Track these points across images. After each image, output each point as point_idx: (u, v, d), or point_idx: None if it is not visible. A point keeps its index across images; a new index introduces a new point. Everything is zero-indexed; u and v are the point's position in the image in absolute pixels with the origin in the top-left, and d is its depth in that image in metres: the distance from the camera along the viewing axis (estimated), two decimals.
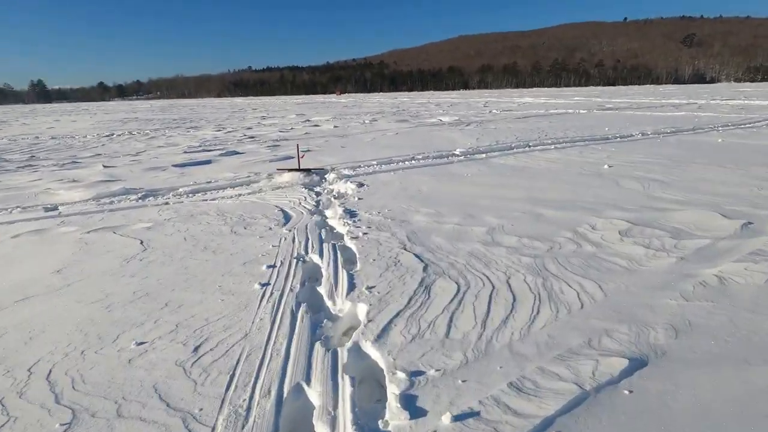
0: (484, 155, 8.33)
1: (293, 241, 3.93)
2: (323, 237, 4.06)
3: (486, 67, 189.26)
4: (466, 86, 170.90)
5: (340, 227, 4.38)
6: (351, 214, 4.80)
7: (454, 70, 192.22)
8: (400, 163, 7.84)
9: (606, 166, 6.80)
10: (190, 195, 6.21)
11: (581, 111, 21.36)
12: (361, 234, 4.04)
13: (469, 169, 7.01)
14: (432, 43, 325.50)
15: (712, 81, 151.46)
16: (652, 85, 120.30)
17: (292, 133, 15.21)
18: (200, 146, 12.10)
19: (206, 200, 5.75)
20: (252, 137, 14.18)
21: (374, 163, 7.90)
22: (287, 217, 4.77)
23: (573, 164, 7.13)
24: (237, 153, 10.21)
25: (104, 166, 8.50)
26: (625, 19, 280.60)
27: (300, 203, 5.38)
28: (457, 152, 8.80)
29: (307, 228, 4.32)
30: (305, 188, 6.22)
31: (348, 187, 6.08)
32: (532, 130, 12.86)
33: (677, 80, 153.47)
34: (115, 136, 16.83)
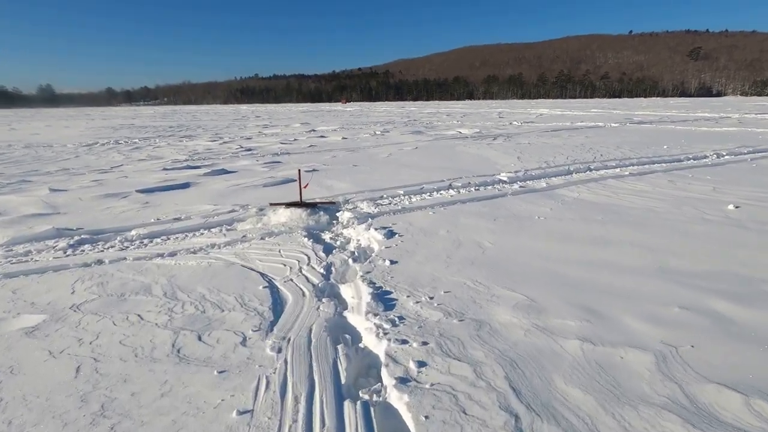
0: (543, 183, 6.38)
1: (282, 391, 1.97)
2: (342, 373, 2.11)
3: (491, 77, 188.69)
4: (471, 96, 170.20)
5: (371, 338, 2.44)
6: (384, 300, 2.86)
7: (460, 80, 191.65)
8: (436, 194, 5.91)
9: (731, 207, 4.84)
10: (143, 243, 4.30)
11: (613, 125, 19.47)
12: (414, 370, 2.09)
13: (536, 207, 5.06)
14: (437, 53, 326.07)
15: (719, 94, 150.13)
16: (659, 98, 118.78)
17: (296, 145, 13.37)
18: (186, 161, 10.25)
19: (161, 256, 3.82)
20: (249, 150, 12.34)
21: (400, 192, 5.97)
22: (277, 306, 2.83)
23: (679, 202, 5.17)
24: (226, 172, 8.32)
25: (50, 190, 6.62)
26: (630, 32, 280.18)
27: (300, 269, 3.43)
28: (503, 177, 6.87)
29: (310, 342, 2.37)
30: (308, 236, 4.28)
31: (372, 237, 4.14)
32: (576, 147, 10.93)
33: (683, 93, 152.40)
34: (98, 145, 15.05)
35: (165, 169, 8.90)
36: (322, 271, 3.39)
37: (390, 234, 4.17)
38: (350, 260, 3.61)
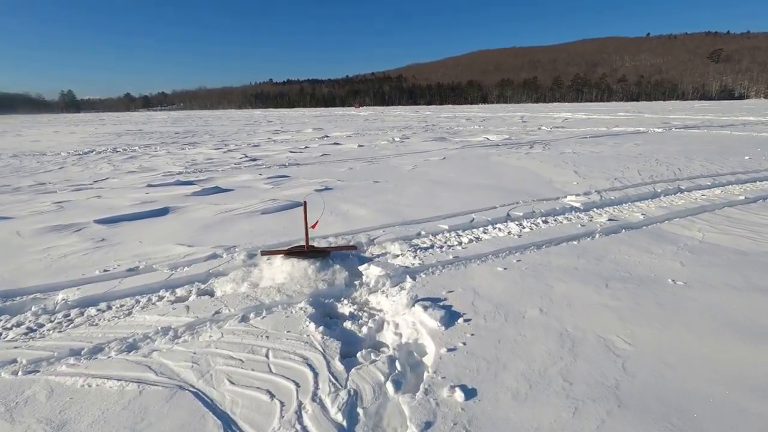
0: (638, 215, 4.68)
1: None
2: None
3: (505, 81, 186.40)
4: (484, 100, 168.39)
5: None
6: None
7: (473, 84, 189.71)
8: (493, 230, 4.29)
9: None
10: (66, 319, 2.79)
11: (656, 130, 17.59)
12: None
13: (656, 260, 3.40)
14: (451, 57, 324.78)
15: (741, 97, 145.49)
16: (679, 101, 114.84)
17: (307, 154, 11.89)
18: (179, 174, 8.85)
19: (74, 357, 2.30)
20: (254, 160, 10.91)
21: (443, 226, 4.37)
22: None
23: None
24: (220, 191, 6.84)
25: None
26: (648, 34, 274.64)
27: (299, 409, 1.86)
28: (573, 203, 5.22)
29: None
30: (315, 314, 2.72)
31: (419, 324, 2.55)
32: (636, 157, 9.20)
33: (704, 96, 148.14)
34: (93, 153, 13.83)
35: (150, 185, 7.47)
36: (338, 416, 1.81)
37: (449, 316, 2.57)
38: (389, 385, 2.01)
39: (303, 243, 3.56)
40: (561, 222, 4.52)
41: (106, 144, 17.10)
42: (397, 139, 15.66)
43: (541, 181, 6.82)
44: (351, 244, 3.77)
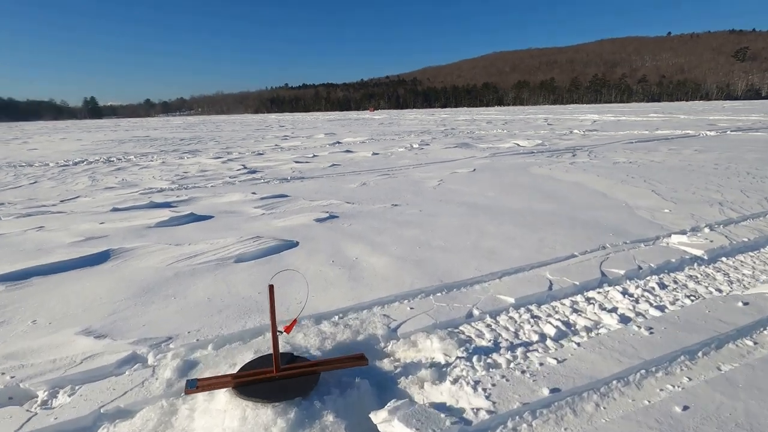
0: None
1: None
2: None
3: (522, 83, 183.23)
4: (500, 102, 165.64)
5: None
6: None
7: (489, 86, 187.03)
8: (587, 305, 2.64)
9: None
10: None
11: (708, 133, 15.58)
12: None
13: None
14: (466, 60, 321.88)
15: None
16: (703, 101, 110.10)
17: (314, 164, 10.40)
18: (161, 191, 7.46)
19: None
20: (253, 172, 9.47)
21: (508, 299, 2.75)
22: None
23: None
24: (196, 219, 5.34)
25: None
26: (669, 33, 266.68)
27: None
28: (690, 248, 3.53)
29: None
30: None
31: None
32: (715, 169, 7.40)
33: (729, 96, 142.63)
34: (84, 163, 12.65)
35: (115, 209, 6.04)
36: None
37: None
38: None
39: (270, 355, 1.97)
40: (691, 288, 2.83)
41: (103, 152, 15.95)
42: (415, 146, 14.07)
43: (615, 205, 5.12)
44: (358, 353, 2.15)
